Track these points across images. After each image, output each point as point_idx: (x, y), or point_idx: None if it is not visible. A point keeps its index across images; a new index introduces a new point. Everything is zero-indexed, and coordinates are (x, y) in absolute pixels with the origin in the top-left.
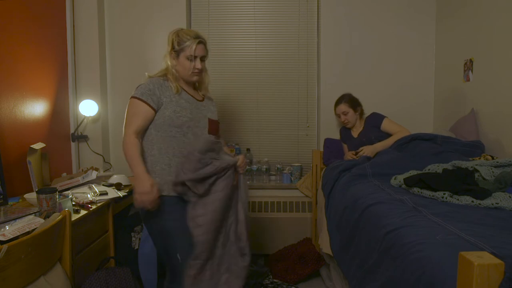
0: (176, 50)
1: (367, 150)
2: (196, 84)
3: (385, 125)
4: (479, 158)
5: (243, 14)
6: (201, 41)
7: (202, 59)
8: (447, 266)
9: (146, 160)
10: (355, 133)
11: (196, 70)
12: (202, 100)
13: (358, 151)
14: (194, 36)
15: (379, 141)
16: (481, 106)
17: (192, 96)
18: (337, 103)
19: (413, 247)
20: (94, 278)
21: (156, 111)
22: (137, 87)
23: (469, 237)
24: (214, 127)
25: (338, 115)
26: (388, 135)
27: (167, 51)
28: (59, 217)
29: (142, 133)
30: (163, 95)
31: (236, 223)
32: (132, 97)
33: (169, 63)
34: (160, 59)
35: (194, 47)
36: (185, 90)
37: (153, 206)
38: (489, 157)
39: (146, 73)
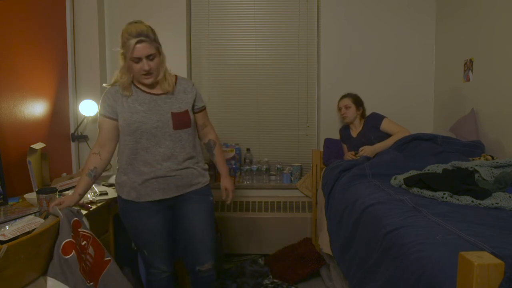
0: (123, 52)
1: (367, 150)
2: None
3: (385, 125)
4: (479, 158)
5: (243, 14)
6: (142, 40)
7: (150, 58)
8: (447, 266)
9: (118, 168)
10: (354, 132)
11: (144, 72)
12: (165, 94)
13: (357, 151)
14: (135, 35)
15: (379, 141)
16: (481, 106)
17: (149, 93)
18: (342, 97)
19: (413, 247)
20: None
21: (115, 119)
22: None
23: (469, 237)
24: (180, 121)
25: (339, 108)
26: (387, 135)
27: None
28: (58, 219)
29: (111, 143)
30: (117, 104)
31: None
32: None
33: (118, 67)
34: None
35: (132, 47)
36: (140, 89)
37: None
38: (489, 157)
39: (104, 84)
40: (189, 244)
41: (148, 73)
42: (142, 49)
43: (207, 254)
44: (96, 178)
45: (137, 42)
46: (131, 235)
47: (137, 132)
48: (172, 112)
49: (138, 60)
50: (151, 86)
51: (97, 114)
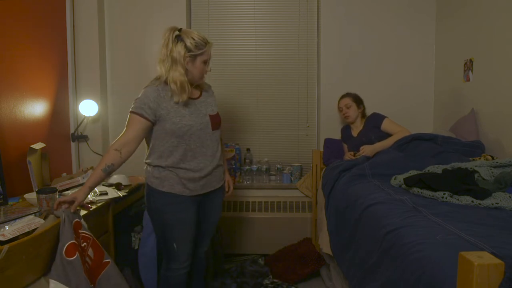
0: (193, 53)
1: (367, 150)
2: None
3: (386, 125)
4: (479, 159)
5: (243, 14)
6: (211, 44)
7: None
8: (447, 266)
9: (154, 157)
10: (355, 132)
11: (205, 73)
12: (200, 97)
13: (357, 151)
14: (207, 40)
15: (379, 141)
16: (481, 106)
17: (190, 97)
18: (342, 96)
19: (413, 247)
20: None
21: (152, 122)
22: (134, 101)
23: (469, 237)
24: (216, 122)
25: (340, 108)
26: (388, 135)
27: (170, 52)
28: (59, 219)
29: (135, 144)
30: (160, 107)
31: None
32: (131, 111)
33: (177, 71)
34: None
35: (210, 51)
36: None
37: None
38: (489, 157)
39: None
40: (200, 233)
41: (205, 74)
42: (210, 53)
43: (209, 240)
44: (110, 174)
45: (210, 46)
46: (163, 228)
47: (186, 135)
48: (209, 115)
49: (206, 62)
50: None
51: (96, 114)
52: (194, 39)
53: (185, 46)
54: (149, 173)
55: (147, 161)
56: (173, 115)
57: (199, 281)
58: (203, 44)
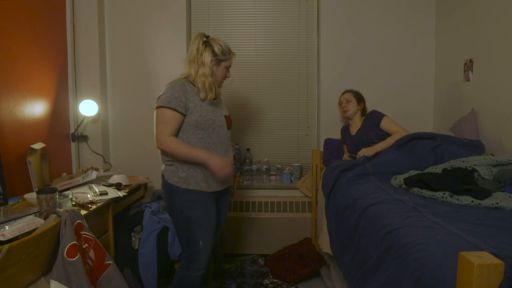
0: (218, 58)
1: (366, 152)
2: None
3: (384, 124)
4: None
5: (243, 14)
6: (234, 54)
7: None
8: (447, 266)
9: (178, 161)
10: (353, 130)
11: (225, 78)
12: (216, 99)
13: (355, 153)
14: (231, 50)
15: (379, 139)
16: (481, 106)
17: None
18: (344, 91)
19: (413, 247)
20: None
21: (184, 115)
22: (159, 97)
23: (469, 237)
24: (229, 122)
25: (340, 102)
26: (387, 134)
27: (198, 54)
28: (59, 219)
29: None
30: (189, 101)
31: None
32: (159, 107)
33: (205, 69)
34: (160, 59)
35: (232, 60)
36: None
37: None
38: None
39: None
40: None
41: (225, 79)
42: (232, 61)
43: (217, 236)
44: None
45: (233, 55)
46: (190, 226)
47: (210, 128)
48: (224, 115)
49: (227, 68)
50: None
51: (96, 114)
52: (221, 46)
53: (213, 51)
54: (172, 172)
55: (169, 158)
56: (199, 108)
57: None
58: (228, 51)
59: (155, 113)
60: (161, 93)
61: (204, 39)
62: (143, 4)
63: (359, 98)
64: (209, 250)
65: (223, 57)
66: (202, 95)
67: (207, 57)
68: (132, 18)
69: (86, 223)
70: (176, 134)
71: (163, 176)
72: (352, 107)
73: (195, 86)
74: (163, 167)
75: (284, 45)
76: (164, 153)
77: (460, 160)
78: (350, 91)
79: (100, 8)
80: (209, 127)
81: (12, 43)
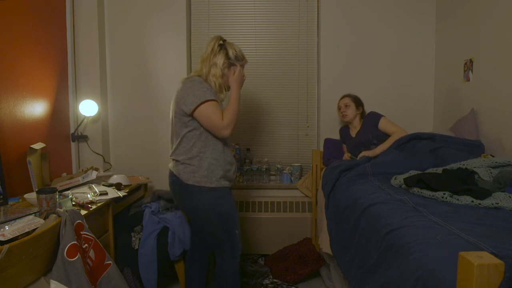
0: (231, 61)
1: (367, 154)
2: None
3: (382, 124)
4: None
5: (243, 14)
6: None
7: None
8: (447, 266)
9: (194, 156)
10: (353, 132)
11: None
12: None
13: (355, 154)
14: (244, 56)
15: (378, 140)
16: (481, 106)
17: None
18: (343, 96)
19: (413, 247)
20: None
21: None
22: (196, 94)
23: (469, 237)
24: None
25: (339, 107)
26: (386, 134)
27: (212, 55)
28: (59, 219)
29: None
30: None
31: None
32: (201, 103)
33: (217, 69)
34: (160, 59)
35: (244, 67)
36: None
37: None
38: (490, 157)
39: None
40: None
41: None
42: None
43: None
44: None
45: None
46: (223, 220)
47: None
48: None
49: None
50: None
51: (96, 114)
52: (235, 51)
53: (227, 54)
54: (191, 173)
55: (187, 157)
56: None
57: None
58: (242, 57)
59: (200, 111)
60: (188, 94)
61: (221, 42)
62: (143, 4)
63: (358, 103)
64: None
65: (236, 61)
66: (222, 96)
67: (220, 59)
68: (132, 18)
69: (86, 223)
70: (191, 131)
71: (178, 178)
72: (351, 111)
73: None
74: (176, 168)
75: (284, 45)
76: (182, 151)
77: (459, 164)
78: (348, 95)
79: (100, 8)
80: None
81: (12, 43)
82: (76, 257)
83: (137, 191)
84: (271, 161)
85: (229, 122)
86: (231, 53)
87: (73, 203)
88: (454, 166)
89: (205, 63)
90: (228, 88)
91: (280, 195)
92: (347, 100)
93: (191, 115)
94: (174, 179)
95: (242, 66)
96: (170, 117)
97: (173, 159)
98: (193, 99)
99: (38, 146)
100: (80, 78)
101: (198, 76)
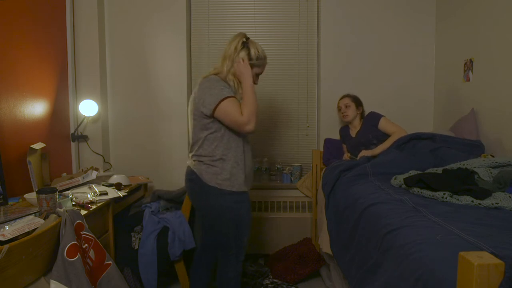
0: (252, 62)
1: (367, 154)
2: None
3: (382, 124)
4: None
5: (243, 14)
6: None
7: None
8: (447, 266)
9: (217, 158)
10: (353, 132)
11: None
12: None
13: (355, 154)
14: (266, 58)
15: (378, 140)
16: (481, 106)
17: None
18: (342, 96)
19: (413, 247)
20: None
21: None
22: (213, 94)
23: (469, 237)
24: None
25: (339, 108)
26: (386, 134)
27: (234, 53)
28: (59, 219)
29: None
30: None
31: None
32: (221, 101)
33: (237, 68)
34: (160, 59)
35: (265, 68)
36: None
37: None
38: (490, 157)
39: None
40: None
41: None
42: (264, 70)
43: None
44: None
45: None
46: (237, 224)
47: None
48: None
49: (258, 75)
50: None
51: (96, 115)
52: (258, 51)
53: (249, 53)
54: (214, 174)
55: (211, 159)
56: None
57: None
58: (263, 58)
59: (220, 110)
60: (205, 94)
61: (244, 39)
62: (143, 4)
63: (358, 103)
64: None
65: (256, 62)
66: (235, 93)
67: (241, 58)
68: (132, 18)
69: (86, 223)
70: (213, 133)
71: (198, 177)
72: (351, 112)
73: (226, 83)
74: (198, 167)
75: (284, 45)
76: (204, 153)
77: (459, 164)
78: (348, 96)
79: (100, 8)
80: None
81: (12, 43)
82: (76, 257)
83: (137, 191)
84: (271, 161)
85: (250, 115)
86: (253, 52)
87: (73, 203)
88: (454, 166)
89: (226, 61)
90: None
91: (280, 195)
92: (347, 101)
93: (212, 115)
94: (193, 177)
95: (263, 66)
96: (188, 117)
97: (194, 159)
98: (211, 99)
99: (38, 146)
100: (80, 78)
101: (214, 75)
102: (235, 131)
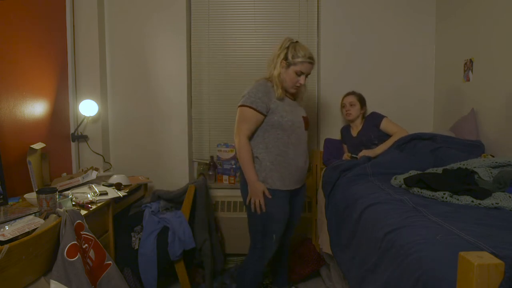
0: (288, 61)
1: (367, 153)
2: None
3: (384, 125)
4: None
5: (243, 14)
6: (312, 62)
7: (307, 76)
8: (447, 266)
9: (256, 156)
10: (354, 132)
11: (299, 85)
12: (294, 100)
13: (355, 153)
14: (308, 56)
15: (379, 140)
16: (481, 106)
17: (289, 98)
18: (347, 94)
19: (413, 247)
20: None
21: (265, 115)
22: (244, 95)
23: (469, 237)
24: (307, 122)
25: (343, 105)
26: (387, 135)
27: (277, 56)
28: (59, 219)
29: (250, 136)
30: (271, 102)
31: None
32: (242, 105)
33: (276, 70)
34: (160, 59)
35: (306, 65)
36: (286, 95)
37: (261, 205)
38: (490, 157)
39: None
40: (288, 225)
41: (301, 85)
42: (310, 68)
43: (294, 229)
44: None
45: (310, 63)
46: (267, 221)
47: (290, 129)
48: (302, 116)
49: (301, 74)
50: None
51: (96, 114)
52: (295, 51)
53: (286, 54)
54: (257, 170)
55: (256, 153)
56: (281, 109)
57: (284, 266)
58: (300, 56)
59: (238, 111)
60: (246, 92)
61: (288, 43)
62: (143, 4)
63: (362, 102)
64: (277, 245)
65: (292, 61)
66: (276, 94)
67: (280, 58)
68: (132, 18)
69: (86, 223)
70: (254, 133)
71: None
72: (356, 111)
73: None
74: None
75: None
76: (251, 149)
77: (459, 164)
78: (354, 93)
79: (100, 8)
80: (289, 128)
81: (12, 43)
82: (76, 257)
83: (137, 191)
84: None
85: (239, 144)
86: (290, 54)
87: (73, 203)
88: (454, 166)
89: (270, 65)
90: (289, 88)
91: None
92: (352, 99)
93: None
94: (241, 172)
95: (301, 65)
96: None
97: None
98: (241, 99)
99: (38, 146)
100: (80, 78)
101: (265, 79)
102: (279, 131)
